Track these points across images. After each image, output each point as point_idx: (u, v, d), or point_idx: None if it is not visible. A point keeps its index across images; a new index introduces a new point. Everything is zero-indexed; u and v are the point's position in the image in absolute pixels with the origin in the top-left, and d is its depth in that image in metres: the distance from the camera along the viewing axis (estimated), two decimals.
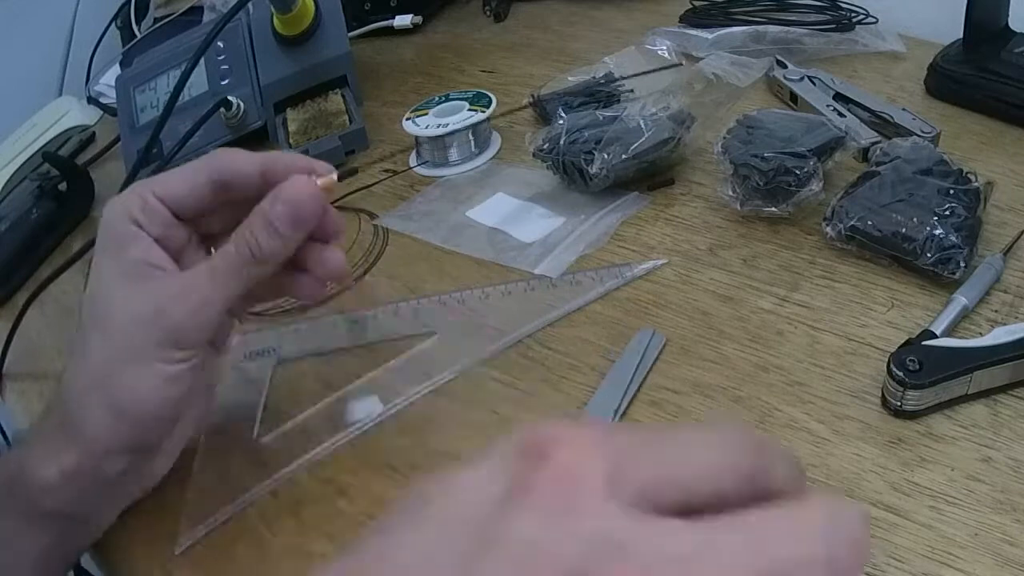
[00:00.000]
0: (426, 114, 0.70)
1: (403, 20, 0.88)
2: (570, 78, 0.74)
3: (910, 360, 0.41)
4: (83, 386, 0.37)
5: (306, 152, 0.72)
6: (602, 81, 0.72)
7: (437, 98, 0.73)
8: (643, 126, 0.59)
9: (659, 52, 0.76)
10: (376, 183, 0.69)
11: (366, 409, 0.48)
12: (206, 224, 0.41)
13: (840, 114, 0.62)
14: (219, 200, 0.39)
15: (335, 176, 0.38)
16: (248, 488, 0.45)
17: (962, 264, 0.47)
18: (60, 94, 1.10)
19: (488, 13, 0.94)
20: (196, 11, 0.99)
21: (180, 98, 0.72)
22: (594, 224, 0.59)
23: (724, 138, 0.57)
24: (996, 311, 0.47)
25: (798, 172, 0.52)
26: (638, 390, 0.46)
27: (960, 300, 0.46)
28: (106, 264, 0.38)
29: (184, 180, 0.39)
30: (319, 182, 0.37)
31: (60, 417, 0.38)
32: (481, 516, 0.19)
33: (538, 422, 0.21)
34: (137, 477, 0.41)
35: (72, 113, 0.97)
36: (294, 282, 0.41)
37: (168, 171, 0.40)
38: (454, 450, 0.45)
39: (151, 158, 0.73)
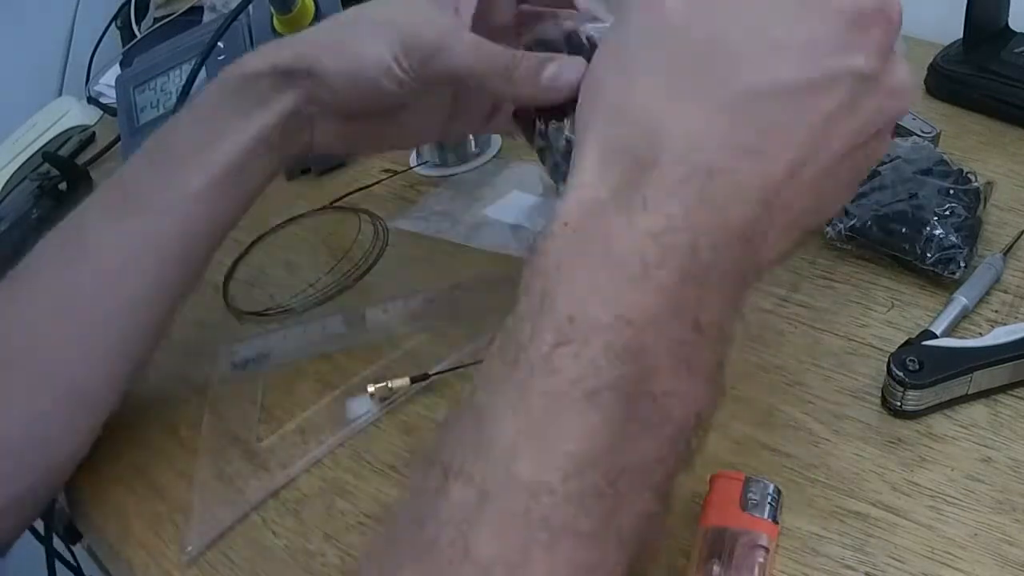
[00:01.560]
0: None
1: None
2: None
3: (910, 360, 0.41)
4: (342, 13, 0.42)
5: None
6: None
7: None
8: None
9: None
10: (376, 183, 0.69)
11: (364, 408, 0.48)
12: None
13: None
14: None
15: None
16: (251, 491, 0.45)
17: (962, 264, 0.47)
18: (60, 94, 1.10)
19: None
20: (196, 11, 0.99)
21: (183, 99, 0.72)
22: None
23: None
24: (996, 311, 0.47)
25: None
26: None
27: (960, 300, 0.46)
28: None
29: None
30: None
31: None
32: None
33: None
34: (320, 124, 0.44)
35: (72, 113, 0.97)
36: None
37: None
38: None
39: None
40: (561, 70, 0.35)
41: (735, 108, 0.27)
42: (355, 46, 0.40)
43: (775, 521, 0.37)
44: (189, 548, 0.43)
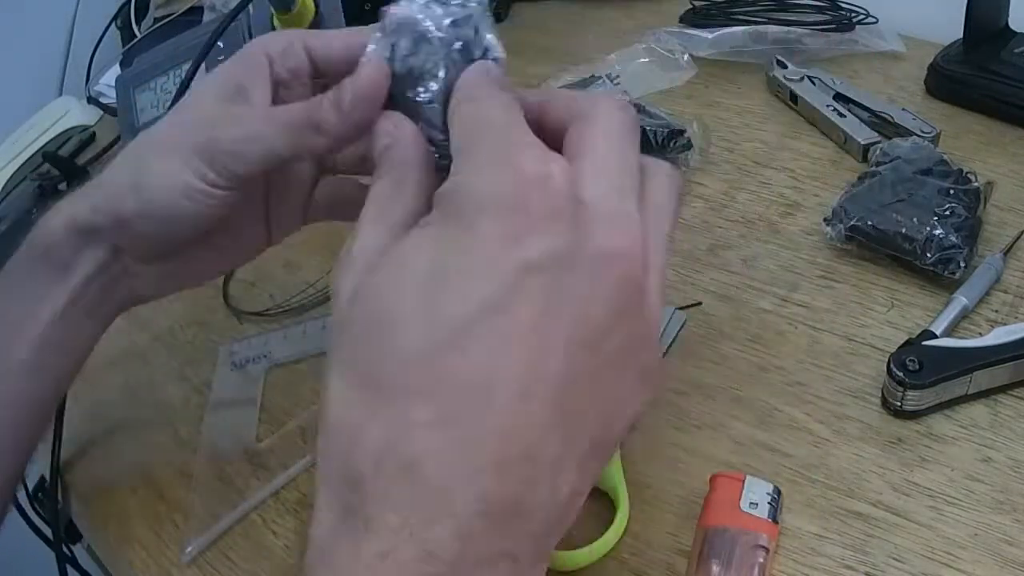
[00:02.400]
0: None
1: None
2: (567, 76, 0.74)
3: (910, 360, 0.41)
4: (129, 145, 0.38)
5: None
6: (599, 80, 0.72)
7: None
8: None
9: (664, 51, 0.76)
10: None
11: None
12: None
13: (840, 114, 0.62)
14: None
15: None
16: (251, 493, 0.45)
17: (963, 264, 0.47)
18: (60, 94, 1.10)
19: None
20: (196, 11, 0.99)
21: (179, 98, 0.72)
22: None
23: None
24: (996, 311, 0.47)
25: None
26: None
27: (960, 300, 0.46)
28: (216, 73, 0.37)
29: (344, 44, 0.38)
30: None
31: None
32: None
33: None
34: (112, 283, 0.40)
35: (72, 113, 0.97)
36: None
37: (329, 30, 0.40)
38: None
39: None
40: (358, 77, 0.33)
41: (416, 375, 0.24)
42: (153, 177, 0.36)
43: (775, 521, 0.37)
44: (189, 548, 0.43)
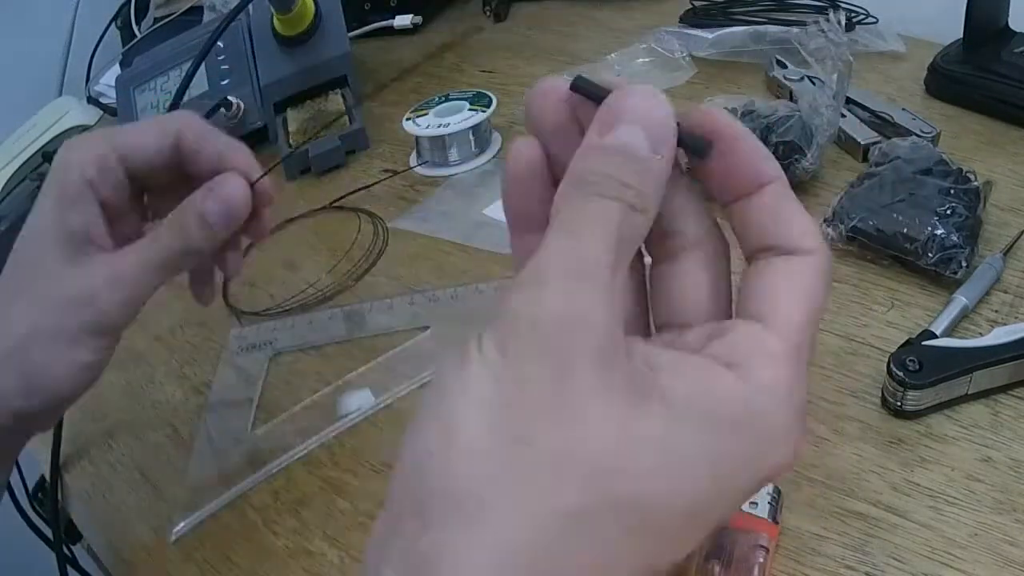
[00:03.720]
0: (426, 114, 0.70)
1: (403, 20, 0.88)
2: (566, 76, 0.74)
3: (910, 360, 0.41)
4: (2, 348, 0.35)
5: (306, 152, 0.72)
6: None
7: (437, 98, 0.73)
8: None
9: (664, 51, 0.76)
10: (376, 183, 0.69)
11: (359, 402, 0.49)
12: (147, 183, 0.40)
13: (840, 114, 0.62)
14: (169, 167, 0.38)
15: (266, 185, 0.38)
16: (242, 479, 0.45)
17: (964, 264, 0.47)
18: (60, 94, 1.10)
19: (488, 13, 0.94)
20: (196, 11, 0.99)
21: (180, 98, 0.72)
22: None
23: None
24: (996, 311, 0.46)
25: None
26: None
27: (960, 300, 0.46)
28: (47, 219, 0.37)
29: (152, 141, 0.37)
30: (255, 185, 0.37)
31: None
32: None
33: None
34: (21, 439, 0.40)
35: (72, 113, 0.97)
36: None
37: (137, 126, 0.39)
38: None
39: None
40: (222, 199, 0.35)
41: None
42: (47, 379, 0.35)
43: (775, 521, 0.37)
44: (181, 533, 0.43)
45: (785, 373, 0.23)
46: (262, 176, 0.38)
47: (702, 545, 0.36)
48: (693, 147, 0.24)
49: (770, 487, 0.38)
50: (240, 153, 0.38)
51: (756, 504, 0.37)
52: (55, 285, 0.35)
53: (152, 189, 0.40)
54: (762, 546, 0.36)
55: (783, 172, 0.26)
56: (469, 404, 0.20)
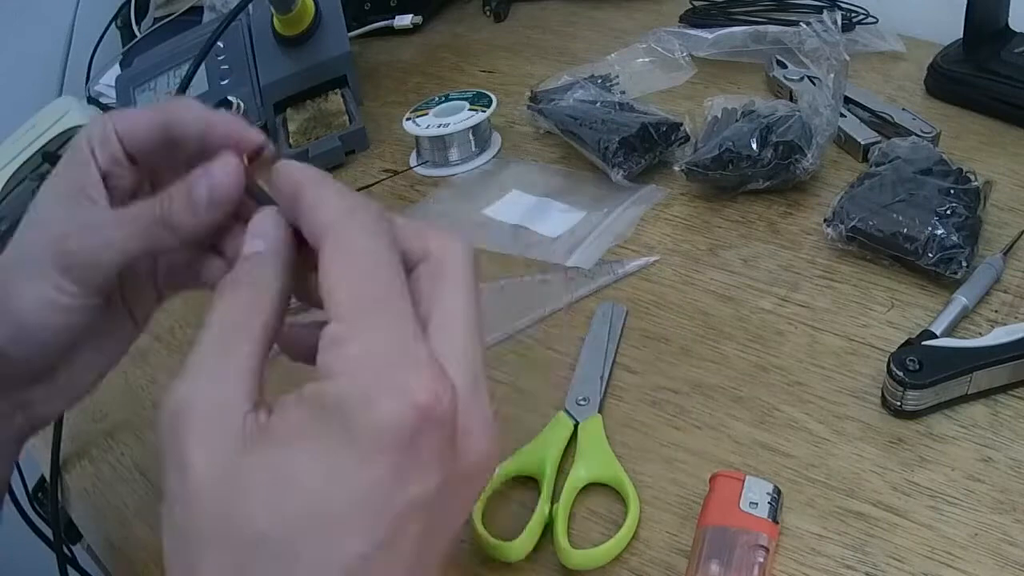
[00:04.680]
0: (426, 114, 0.70)
1: (403, 20, 0.88)
2: (566, 76, 0.74)
3: (910, 360, 0.41)
4: None
5: (306, 152, 0.72)
6: (599, 80, 0.72)
7: (437, 98, 0.73)
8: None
9: (664, 51, 0.76)
10: (376, 183, 0.69)
11: None
12: (162, 181, 0.39)
13: (840, 114, 0.62)
14: (168, 150, 0.37)
15: (267, 151, 0.36)
16: None
17: (964, 264, 0.47)
18: (60, 94, 1.10)
19: (488, 13, 0.94)
20: (196, 11, 0.99)
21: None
22: (618, 216, 0.59)
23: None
24: (996, 311, 0.46)
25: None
26: (615, 359, 0.48)
27: (960, 300, 0.46)
28: (53, 177, 0.37)
29: (144, 120, 0.37)
30: (247, 160, 0.36)
31: None
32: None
33: None
34: (5, 416, 0.39)
35: (72, 113, 0.96)
36: (205, 265, 0.38)
37: (136, 109, 0.39)
38: None
39: None
40: (212, 178, 0.33)
41: None
42: (18, 300, 0.35)
43: (775, 521, 0.37)
44: None
45: (350, 347, 0.26)
46: (260, 153, 0.36)
47: (699, 544, 0.36)
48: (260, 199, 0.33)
49: (770, 487, 0.38)
50: (228, 125, 0.36)
51: (756, 504, 0.37)
52: (40, 222, 0.36)
53: (163, 181, 0.39)
54: (762, 546, 0.36)
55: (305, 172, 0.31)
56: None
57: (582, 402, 0.45)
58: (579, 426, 0.44)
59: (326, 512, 0.24)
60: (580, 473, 0.41)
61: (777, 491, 0.38)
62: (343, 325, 0.27)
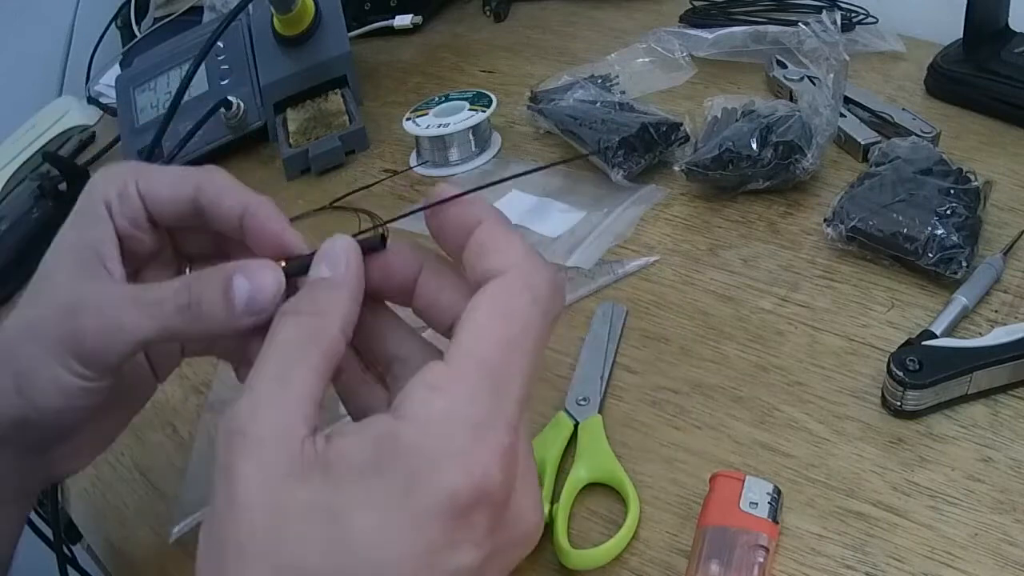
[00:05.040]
0: (426, 114, 0.70)
1: (403, 20, 0.88)
2: (566, 76, 0.74)
3: (910, 360, 0.41)
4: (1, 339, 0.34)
5: (306, 152, 0.72)
6: (599, 80, 0.72)
7: (437, 98, 0.73)
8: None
9: (664, 51, 0.76)
10: (376, 183, 0.69)
11: None
12: (184, 241, 0.38)
13: (840, 114, 0.62)
14: (196, 222, 0.36)
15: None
16: None
17: (964, 264, 0.47)
18: (60, 94, 1.10)
19: (488, 13, 0.94)
20: (196, 11, 0.99)
21: (180, 98, 0.72)
22: (618, 216, 0.59)
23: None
24: (996, 311, 0.46)
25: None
26: (615, 359, 0.48)
27: (960, 300, 0.46)
28: (65, 234, 0.35)
29: (171, 184, 0.35)
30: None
31: None
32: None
33: None
34: (30, 471, 0.37)
35: (72, 113, 0.97)
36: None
37: (165, 167, 0.37)
38: None
39: (152, 159, 0.73)
40: (254, 282, 0.30)
41: None
42: (32, 379, 0.32)
43: (775, 521, 0.37)
44: (180, 534, 0.43)
45: (442, 400, 0.25)
46: (299, 260, 0.32)
47: (699, 544, 0.36)
48: (371, 247, 0.32)
49: (770, 487, 0.38)
50: (270, 222, 0.34)
51: (756, 504, 0.37)
52: (53, 289, 0.34)
53: (193, 259, 0.38)
54: (762, 546, 0.36)
55: (493, 211, 0.29)
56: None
57: (582, 402, 0.45)
58: (579, 426, 0.44)
59: (375, 562, 0.24)
60: (580, 473, 0.41)
61: (777, 491, 0.38)
62: (451, 372, 0.26)
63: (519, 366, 0.27)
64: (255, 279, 0.31)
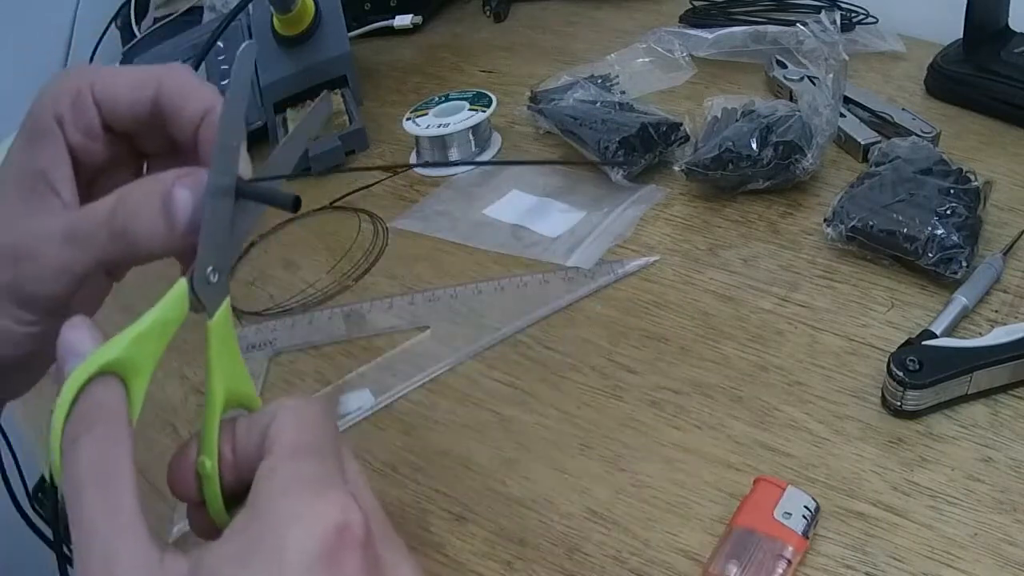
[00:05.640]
0: (426, 114, 0.70)
1: (403, 20, 0.88)
2: (566, 76, 0.74)
3: (910, 360, 0.41)
4: None
5: (306, 153, 0.72)
6: (599, 80, 0.72)
7: (437, 98, 0.73)
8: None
9: (664, 51, 0.76)
10: (376, 183, 0.69)
11: (359, 402, 0.49)
12: (142, 141, 0.34)
13: (840, 114, 0.62)
14: (156, 122, 0.32)
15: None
16: None
17: (964, 263, 0.47)
18: None
19: (488, 13, 0.94)
20: (196, 11, 0.99)
21: None
22: (618, 216, 0.59)
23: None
24: (996, 311, 0.46)
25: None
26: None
27: (960, 300, 0.46)
28: (12, 155, 0.32)
29: (130, 87, 0.32)
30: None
31: None
32: None
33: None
34: None
35: None
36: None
37: (119, 68, 0.33)
38: (455, 450, 0.45)
39: None
40: (199, 191, 0.27)
41: None
42: None
43: (806, 536, 0.36)
44: (179, 534, 0.43)
45: (279, 475, 0.27)
46: (259, 180, 0.30)
47: (725, 542, 0.36)
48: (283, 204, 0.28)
49: (810, 501, 0.37)
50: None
51: (790, 515, 0.36)
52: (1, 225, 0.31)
53: (149, 157, 0.35)
54: (786, 558, 0.35)
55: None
56: None
57: (213, 277, 0.28)
58: (209, 327, 0.29)
59: None
60: (216, 400, 0.31)
61: (816, 507, 0.37)
62: (280, 460, 0.27)
63: (327, 439, 0.29)
64: (201, 187, 0.27)
